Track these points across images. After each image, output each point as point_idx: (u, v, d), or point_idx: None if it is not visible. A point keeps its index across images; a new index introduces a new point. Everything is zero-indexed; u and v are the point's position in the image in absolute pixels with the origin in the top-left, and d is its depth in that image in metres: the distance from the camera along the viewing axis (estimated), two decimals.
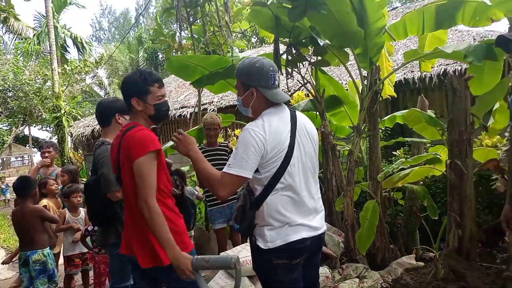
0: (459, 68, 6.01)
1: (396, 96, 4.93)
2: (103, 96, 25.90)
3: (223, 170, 1.79)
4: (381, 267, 3.50)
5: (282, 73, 3.96)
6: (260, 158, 1.77)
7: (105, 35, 45.57)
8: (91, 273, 4.30)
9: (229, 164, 1.78)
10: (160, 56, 24.66)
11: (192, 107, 8.78)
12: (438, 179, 4.54)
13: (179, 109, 9.40)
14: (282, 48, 4.07)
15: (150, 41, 23.57)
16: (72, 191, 4.09)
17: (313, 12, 3.28)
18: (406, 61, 4.04)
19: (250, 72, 1.89)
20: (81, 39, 19.43)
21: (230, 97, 8.62)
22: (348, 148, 4.81)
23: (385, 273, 3.32)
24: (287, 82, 4.00)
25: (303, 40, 3.94)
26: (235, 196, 3.82)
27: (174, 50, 5.07)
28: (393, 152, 5.46)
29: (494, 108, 3.54)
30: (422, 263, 3.41)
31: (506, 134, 3.56)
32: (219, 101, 8.77)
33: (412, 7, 10.42)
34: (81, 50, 19.97)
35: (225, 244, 3.86)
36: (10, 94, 12.99)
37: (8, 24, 17.57)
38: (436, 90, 6.33)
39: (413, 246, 3.94)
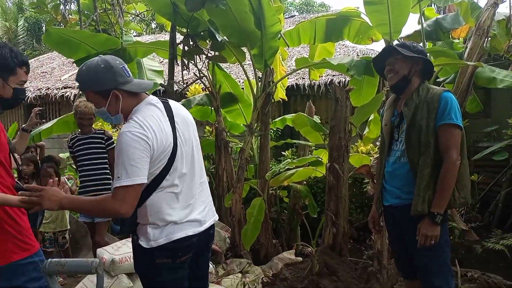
0: (344, 80, 6.56)
1: (287, 99, 5.17)
2: None
3: (114, 186, 1.56)
4: (264, 262, 3.62)
5: (178, 64, 3.83)
6: (150, 159, 1.57)
7: None
8: None
9: (118, 177, 1.54)
10: (44, 27, 22.00)
11: (77, 88, 7.99)
12: (319, 180, 4.91)
13: (62, 89, 8.46)
14: (180, 38, 3.94)
15: (32, 10, 20.86)
16: None
17: (211, 5, 3.23)
18: (297, 68, 4.26)
19: (99, 76, 1.62)
20: None
21: None
22: (241, 146, 4.91)
23: (267, 268, 3.44)
24: (182, 73, 3.87)
25: (201, 33, 3.86)
26: (105, 184, 3.59)
27: (56, 23, 4.51)
28: (282, 152, 5.73)
29: (369, 119, 3.94)
30: (300, 258, 3.62)
31: (377, 143, 4.01)
32: None
33: (307, 17, 11.10)
34: None
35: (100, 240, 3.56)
36: None
37: None
38: (323, 97, 6.81)
39: (294, 242, 4.18)
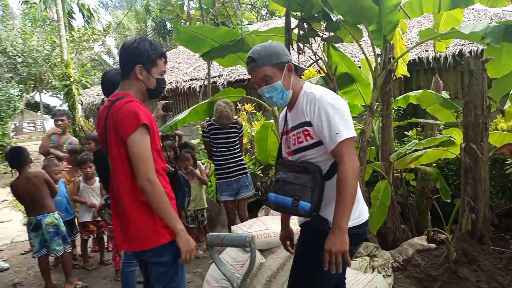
0: (475, 49, 5.80)
1: (409, 75, 4.80)
2: (111, 65, 25.75)
3: (337, 141, 1.65)
4: (392, 247, 3.51)
5: (294, 48, 3.85)
6: None
7: (113, 1, 44.78)
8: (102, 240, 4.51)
9: (337, 133, 1.65)
10: (168, 26, 24.22)
11: (202, 79, 8.67)
12: (451, 162, 4.49)
13: (189, 81, 9.28)
14: (294, 22, 3.94)
15: (158, 10, 23.12)
16: (82, 162, 4.12)
17: None
18: (421, 40, 3.90)
19: (278, 49, 1.78)
20: (88, 6, 19.11)
21: (239, 71, 8.47)
22: (360, 127, 4.75)
23: (396, 253, 3.33)
24: (298, 57, 3.88)
25: (315, 15, 3.80)
26: (242, 169, 3.90)
27: (182, 21, 4.94)
28: (405, 133, 5.38)
29: (511, 92, 3.44)
30: (433, 245, 3.40)
31: None
32: (228, 75, 8.64)
33: None
34: (87, 18, 19.68)
35: (234, 218, 3.93)
36: (20, 60, 12.93)
37: None
38: (450, 70, 6.14)
39: (424, 228, 3.94)
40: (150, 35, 23.94)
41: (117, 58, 26.39)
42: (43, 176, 3.55)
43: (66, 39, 12.32)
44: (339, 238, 1.62)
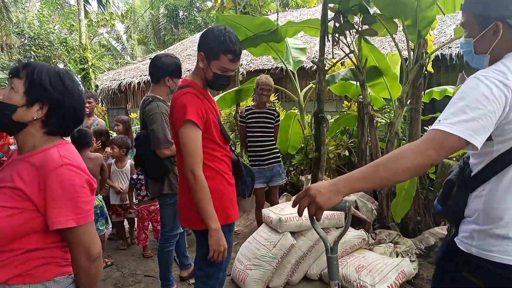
0: None
1: (432, 71, 4.91)
2: (120, 51, 25.79)
3: (431, 127, 1.19)
4: (412, 235, 3.65)
5: (329, 40, 3.96)
6: (498, 117, 1.16)
7: None
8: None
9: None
10: (181, 13, 24.22)
11: None
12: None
13: None
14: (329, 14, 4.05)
15: None
16: (109, 143, 4.27)
17: None
18: (456, 37, 4.00)
19: None
20: None
21: (259, 61, 8.57)
22: (382, 120, 4.88)
23: (417, 240, 3.47)
24: (332, 49, 4.00)
25: (352, 8, 3.91)
26: (276, 157, 4.02)
27: (215, 10, 5.05)
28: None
29: None
30: None
31: None
32: (248, 64, 8.74)
33: None
34: (102, 3, 19.72)
35: (263, 204, 4.03)
36: (36, 43, 13.06)
37: None
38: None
39: (441, 220, 4.07)
40: (162, 22, 23.94)
41: (126, 45, 26.54)
42: (100, 160, 3.69)
43: (84, 23, 12.44)
44: None
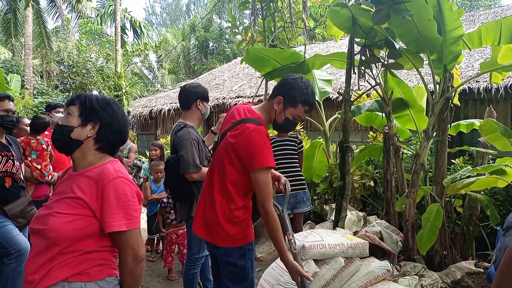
0: None
1: (459, 104, 4.93)
2: (151, 79, 26.86)
3: None
4: (438, 269, 3.59)
5: (355, 73, 4.09)
6: None
7: (157, 19, 46.88)
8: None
9: None
10: (211, 45, 25.19)
11: (248, 97, 9.04)
12: (497, 191, 4.55)
13: (235, 98, 9.69)
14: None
15: (202, 30, 24.16)
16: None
17: (397, 17, 3.39)
18: (482, 71, 4.06)
19: None
20: (139, 23, 20.23)
21: None
22: (407, 151, 4.90)
23: (444, 274, 3.41)
24: (358, 82, 4.11)
25: (378, 42, 4.05)
26: (300, 183, 4.08)
27: (246, 43, 5.31)
28: (452, 160, 5.45)
29: None
30: (482, 269, 3.46)
31: None
32: None
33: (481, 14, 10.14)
34: (138, 34, 20.79)
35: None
36: (74, 70, 13.85)
37: (73, 4, 18.65)
38: (501, 102, 6.20)
39: (469, 254, 3.99)
40: (192, 53, 24.93)
41: (157, 73, 27.66)
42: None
43: (120, 53, 13.16)
44: None
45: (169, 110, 11.29)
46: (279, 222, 2.01)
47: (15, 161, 3.09)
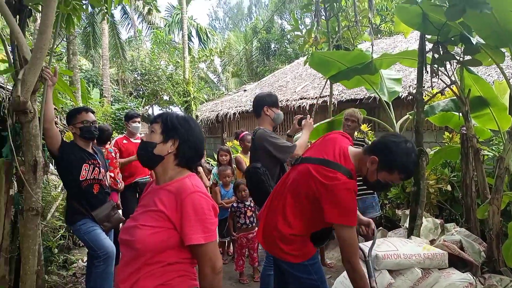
0: None
1: None
2: (216, 83, 27.71)
3: None
4: None
5: (427, 72, 3.87)
6: None
7: (220, 24, 48.23)
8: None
9: None
10: (273, 46, 25.33)
11: (312, 98, 8.96)
12: None
13: (298, 100, 9.66)
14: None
15: (264, 32, 24.41)
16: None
17: (474, 11, 3.15)
18: None
19: None
20: (205, 30, 21.00)
21: (350, 91, 8.56)
22: (489, 153, 4.52)
23: None
24: (431, 80, 3.88)
25: (452, 38, 3.79)
26: (367, 189, 3.96)
27: (309, 45, 5.28)
28: None
29: None
30: None
31: None
32: (339, 94, 8.78)
33: None
34: (203, 40, 21.58)
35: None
36: (146, 78, 14.78)
37: (144, 15, 19.89)
38: None
39: None
40: (254, 55, 25.29)
41: (222, 76, 28.46)
42: None
43: (188, 59, 13.78)
44: None
45: (234, 114, 11.56)
46: (365, 277, 1.96)
47: (100, 168, 3.37)
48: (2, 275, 3.17)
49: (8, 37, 3.00)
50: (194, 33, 20.83)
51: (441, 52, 3.75)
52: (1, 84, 4.05)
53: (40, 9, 3.07)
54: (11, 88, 3.56)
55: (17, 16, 2.91)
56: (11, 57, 2.91)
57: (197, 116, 13.03)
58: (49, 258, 4.24)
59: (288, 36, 24.01)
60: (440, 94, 4.97)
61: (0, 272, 3.16)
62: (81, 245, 5.14)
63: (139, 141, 4.76)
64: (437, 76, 3.85)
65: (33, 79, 2.55)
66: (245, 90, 13.88)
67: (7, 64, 3.07)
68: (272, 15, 23.70)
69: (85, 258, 4.82)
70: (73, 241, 5.24)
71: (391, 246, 3.20)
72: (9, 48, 3.00)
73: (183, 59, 13.42)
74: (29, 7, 2.97)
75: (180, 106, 13.79)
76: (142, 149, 1.62)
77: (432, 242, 3.83)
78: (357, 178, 2.01)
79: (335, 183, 1.88)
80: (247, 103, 11.55)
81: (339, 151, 2.02)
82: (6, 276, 3.19)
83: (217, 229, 4.36)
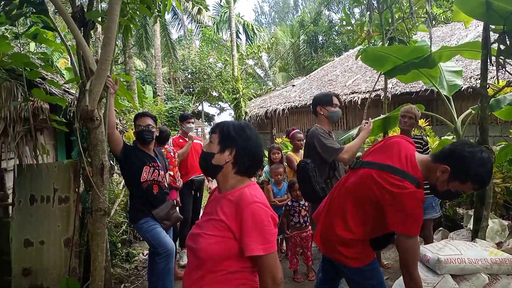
0: None
1: None
2: (263, 78, 27.77)
3: None
4: None
5: (492, 64, 3.62)
6: None
7: (266, 19, 48.16)
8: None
9: None
10: (320, 38, 24.88)
11: (364, 92, 8.71)
12: None
13: (350, 94, 9.43)
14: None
15: (311, 24, 24.03)
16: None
17: None
18: None
19: None
20: (252, 26, 21.10)
21: (405, 84, 8.22)
22: None
23: None
24: (497, 73, 3.63)
25: None
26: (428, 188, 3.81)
27: (360, 38, 5.12)
28: None
29: None
30: None
31: None
32: (393, 87, 8.46)
33: None
34: (250, 36, 21.71)
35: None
36: (196, 76, 15.18)
37: (193, 15, 20.37)
38: None
39: None
40: (302, 48, 25.00)
41: (269, 72, 28.44)
42: None
43: (236, 57, 13.97)
44: None
45: (283, 109, 11.52)
46: (421, 286, 1.92)
47: (160, 170, 3.52)
48: (73, 266, 3.44)
49: (73, 46, 3.21)
50: (241, 29, 21.01)
51: (508, 42, 3.49)
52: (68, 90, 4.37)
53: (100, 20, 3.25)
54: (77, 94, 3.83)
55: (82, 29, 3.10)
56: (76, 67, 3.12)
57: (246, 113, 13.16)
58: (113, 252, 4.51)
59: (336, 28, 23.47)
60: (506, 87, 4.65)
61: (71, 264, 3.43)
62: (141, 239, 5.41)
63: (194, 140, 4.92)
64: (504, 69, 3.59)
65: (99, 89, 2.70)
66: (293, 85, 13.79)
67: (72, 72, 3.29)
68: (321, 9, 23.23)
69: (146, 252, 5.09)
70: (134, 235, 5.53)
71: (454, 250, 3.05)
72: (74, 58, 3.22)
73: (232, 57, 13.61)
74: (92, 20, 3.15)
75: (229, 103, 14.01)
76: (202, 160, 1.67)
77: (498, 245, 3.61)
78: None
79: (403, 192, 1.81)
80: (296, 98, 11.47)
81: (405, 157, 1.94)
82: (76, 268, 3.45)
83: None
